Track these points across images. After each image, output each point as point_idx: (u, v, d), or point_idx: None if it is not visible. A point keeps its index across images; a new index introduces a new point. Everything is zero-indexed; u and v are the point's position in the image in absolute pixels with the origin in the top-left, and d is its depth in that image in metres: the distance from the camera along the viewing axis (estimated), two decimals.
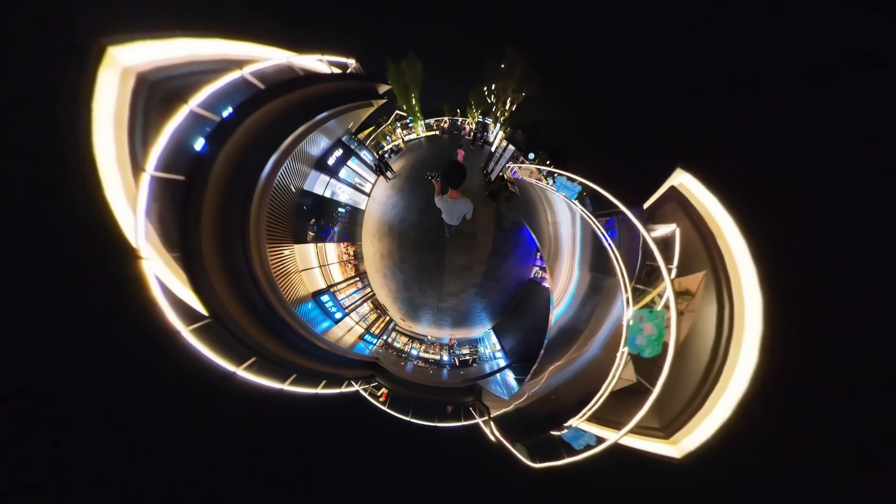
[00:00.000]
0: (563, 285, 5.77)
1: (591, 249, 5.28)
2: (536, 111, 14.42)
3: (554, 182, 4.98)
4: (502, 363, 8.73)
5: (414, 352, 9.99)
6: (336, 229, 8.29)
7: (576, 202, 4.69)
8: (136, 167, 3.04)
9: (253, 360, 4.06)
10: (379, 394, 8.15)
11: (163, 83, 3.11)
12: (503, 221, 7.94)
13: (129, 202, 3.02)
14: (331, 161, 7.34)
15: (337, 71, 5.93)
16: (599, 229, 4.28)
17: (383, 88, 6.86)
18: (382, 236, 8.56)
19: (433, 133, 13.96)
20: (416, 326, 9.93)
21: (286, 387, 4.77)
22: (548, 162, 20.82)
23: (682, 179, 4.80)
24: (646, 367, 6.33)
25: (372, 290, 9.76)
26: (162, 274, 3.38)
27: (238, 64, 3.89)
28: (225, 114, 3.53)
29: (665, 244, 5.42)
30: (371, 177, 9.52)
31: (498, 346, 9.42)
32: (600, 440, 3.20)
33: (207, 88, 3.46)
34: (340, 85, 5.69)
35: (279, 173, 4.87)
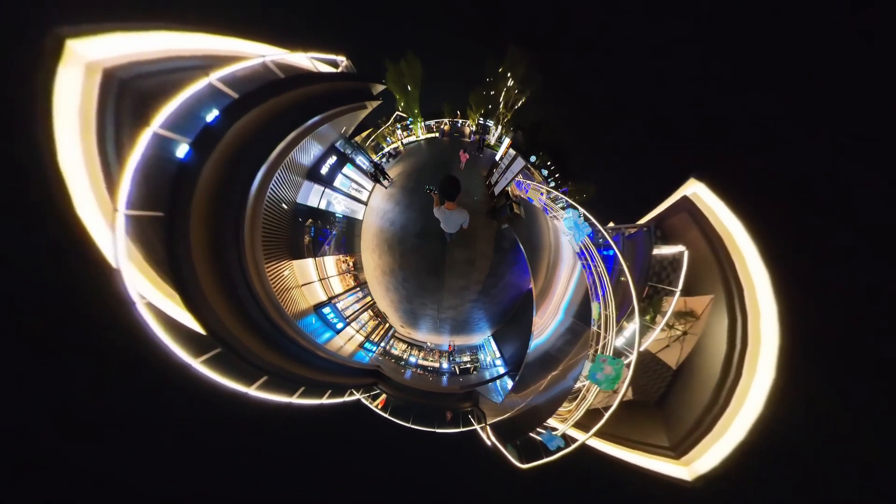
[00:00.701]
0: (546, 321, 6.31)
1: (580, 299, 5.32)
2: (537, 112, 14.30)
3: (564, 213, 4.95)
4: (502, 370, 8.58)
5: (413, 359, 9.81)
6: (333, 242, 8.03)
7: (583, 245, 4.57)
8: (110, 179, 2.74)
9: (264, 378, 4.09)
10: (376, 403, 8.07)
11: (136, 81, 2.76)
12: (503, 242, 7.56)
13: (105, 218, 2.72)
14: (324, 170, 6.95)
15: (328, 70, 5.52)
16: (600, 283, 4.19)
17: (378, 89, 6.42)
18: (381, 251, 8.31)
19: (433, 135, 13.50)
20: (415, 333, 9.79)
21: (294, 399, 4.90)
22: (549, 163, 20.52)
23: (696, 189, 4.67)
24: (647, 382, 6.22)
25: (372, 299, 9.59)
26: (152, 296, 3.17)
27: (221, 61, 3.55)
28: (210, 118, 3.23)
29: (672, 264, 5.33)
30: (368, 184, 9.18)
31: (498, 354, 9.23)
32: (571, 440, 3.55)
33: (189, 90, 3.13)
34: (332, 86, 5.27)
35: (270, 186, 4.63)
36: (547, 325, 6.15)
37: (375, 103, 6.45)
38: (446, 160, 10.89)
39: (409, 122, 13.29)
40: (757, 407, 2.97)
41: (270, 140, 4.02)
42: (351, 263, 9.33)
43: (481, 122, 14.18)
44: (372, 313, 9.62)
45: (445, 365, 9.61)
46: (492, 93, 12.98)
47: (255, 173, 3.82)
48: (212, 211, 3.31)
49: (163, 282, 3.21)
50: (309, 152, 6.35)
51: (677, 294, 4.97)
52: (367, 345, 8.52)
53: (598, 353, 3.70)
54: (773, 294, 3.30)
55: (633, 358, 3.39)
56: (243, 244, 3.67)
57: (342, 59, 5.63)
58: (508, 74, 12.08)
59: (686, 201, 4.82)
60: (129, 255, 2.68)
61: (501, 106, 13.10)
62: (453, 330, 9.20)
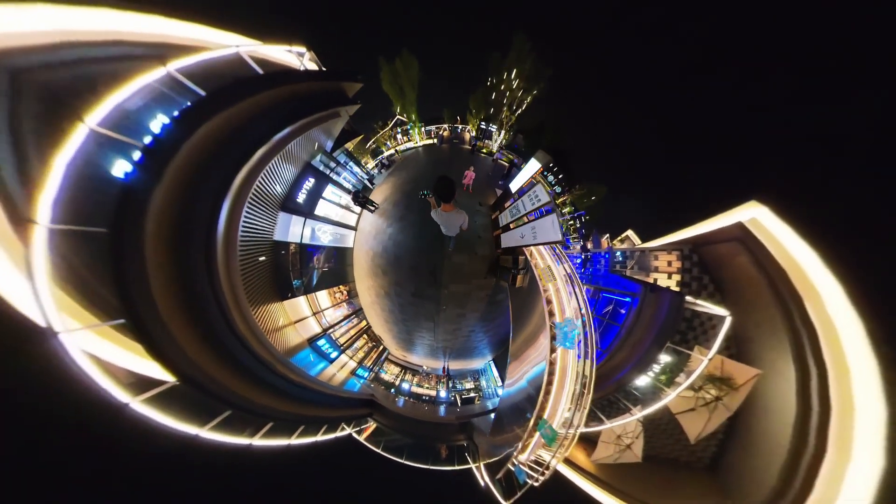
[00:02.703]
0: (514, 380, 5.99)
1: (536, 383, 4.83)
2: (540, 113, 13.16)
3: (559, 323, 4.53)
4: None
5: (406, 385, 9.09)
6: (324, 277, 7.29)
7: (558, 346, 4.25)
8: (16, 213, 2.12)
9: (269, 425, 3.94)
10: (364, 436, 7.34)
11: (37, 74, 2.01)
12: (498, 294, 6.97)
13: (13, 262, 2.13)
14: (301, 197, 5.86)
15: (296, 67, 4.44)
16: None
17: (354, 89, 5.27)
18: (376, 274, 7.62)
19: (432, 142, 12.99)
20: (411, 356, 9.18)
21: (293, 441, 4.75)
22: (551, 166, 19.62)
23: (757, 214, 3.84)
24: (669, 442, 5.38)
25: (367, 324, 9.03)
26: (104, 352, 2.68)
27: (152, 50, 2.77)
28: (148, 139, 2.57)
29: (709, 321, 4.47)
30: (355, 207, 8.29)
31: (500, 381, 8.50)
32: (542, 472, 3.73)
33: (128, 89, 2.44)
34: (294, 89, 4.17)
35: (241, 222, 3.92)
36: (514, 383, 5.86)
37: (352, 109, 5.42)
38: (444, 171, 10.16)
39: (409, 127, 12.26)
40: (861, 498, 2.10)
41: (230, 162, 3.36)
42: (345, 292, 8.74)
43: (483, 126, 13.10)
44: (367, 338, 9.06)
45: (443, 393, 8.83)
46: (493, 95, 11.92)
47: (220, 204, 3.22)
48: (173, 235, 2.86)
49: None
50: (279, 176, 5.25)
51: (707, 359, 4.23)
52: (360, 371, 7.97)
53: (542, 418, 3.88)
54: (869, 347, 2.44)
55: (573, 431, 3.60)
56: (217, 280, 3.19)
57: (303, 51, 4.30)
58: (514, 71, 10.79)
59: (740, 229, 4.04)
60: (49, 277, 2.15)
61: (505, 108, 11.96)
62: (451, 352, 8.53)
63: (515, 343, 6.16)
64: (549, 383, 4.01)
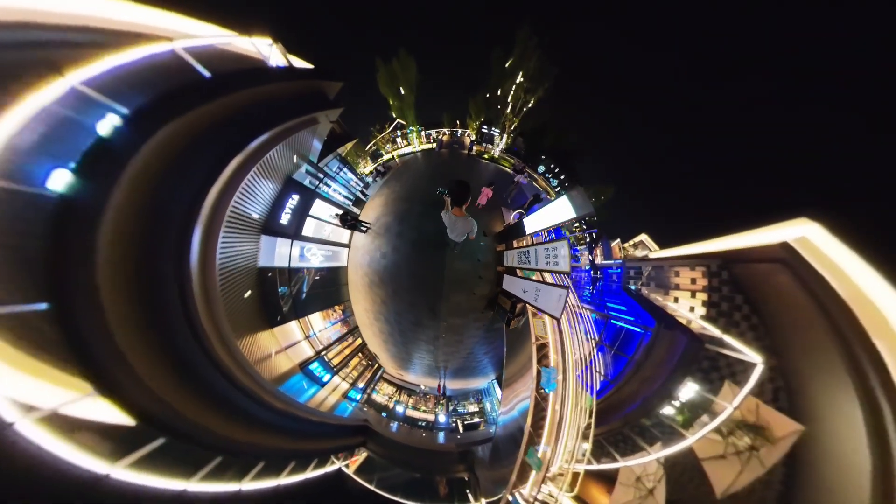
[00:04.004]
0: (507, 409, 5.61)
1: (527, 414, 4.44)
2: (543, 114, 12.39)
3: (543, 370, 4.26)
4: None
5: (400, 409, 8.40)
6: (317, 299, 6.89)
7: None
8: None
9: (260, 465, 3.54)
10: (352, 469, 6.92)
11: None
12: (496, 322, 6.62)
13: None
14: (284, 218, 5.19)
15: (257, 65, 3.61)
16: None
17: (335, 88, 4.54)
18: (372, 289, 7.18)
19: (431, 146, 12.39)
20: (408, 375, 8.60)
21: (282, 480, 4.27)
22: (552, 166, 18.66)
23: (808, 233, 3.14)
24: (695, 493, 4.64)
25: (363, 341, 8.55)
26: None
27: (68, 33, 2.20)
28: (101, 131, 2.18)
29: (739, 366, 3.89)
30: (353, 211, 7.69)
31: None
32: None
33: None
34: (268, 90, 3.53)
35: (219, 250, 3.41)
36: (509, 410, 5.47)
37: (334, 114, 4.74)
38: (444, 178, 9.17)
39: (408, 131, 11.74)
40: None
41: (198, 183, 2.89)
42: (340, 311, 8.27)
43: (484, 130, 12.58)
44: (361, 356, 8.55)
45: (442, 418, 8.17)
46: (498, 93, 11.18)
47: (190, 229, 2.78)
48: (137, 287, 2.45)
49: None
50: (257, 195, 4.55)
51: (735, 405, 3.52)
52: (352, 393, 7.47)
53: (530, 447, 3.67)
54: None
55: (569, 466, 3.42)
56: (194, 314, 2.80)
57: (268, 44, 3.48)
58: (520, 73, 10.07)
59: (784, 249, 3.33)
60: None
61: (508, 109, 11.22)
62: (451, 371, 7.91)
63: (509, 370, 5.87)
64: (540, 417, 3.74)
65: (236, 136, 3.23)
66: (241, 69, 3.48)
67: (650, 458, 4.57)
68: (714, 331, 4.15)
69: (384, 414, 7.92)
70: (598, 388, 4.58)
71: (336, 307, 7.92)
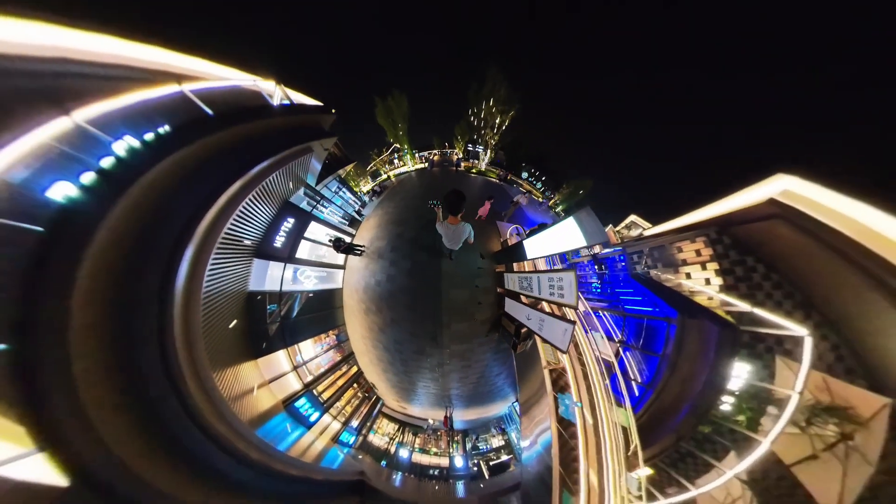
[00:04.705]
0: (529, 442, 4.68)
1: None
2: (518, 130, 14.94)
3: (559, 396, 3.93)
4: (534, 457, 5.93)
5: (404, 453, 6.76)
6: (308, 325, 6.52)
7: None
8: None
9: None
10: None
11: None
12: (503, 343, 6.12)
13: None
14: (278, 241, 5.33)
15: (272, 101, 4.19)
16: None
17: (329, 120, 5.21)
18: (368, 311, 6.80)
19: (423, 165, 14.85)
20: (412, 407, 7.35)
21: None
22: (533, 170, 21.86)
23: (789, 186, 2.96)
24: None
25: (359, 369, 7.69)
26: None
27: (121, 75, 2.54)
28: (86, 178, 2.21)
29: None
30: (345, 237, 7.70)
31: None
32: None
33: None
34: (273, 123, 4.02)
35: (207, 273, 3.34)
36: (533, 443, 4.50)
37: (328, 142, 5.14)
38: (436, 193, 9.38)
39: (403, 153, 14.46)
40: None
41: (194, 204, 2.96)
42: (334, 337, 7.63)
43: (469, 148, 15.41)
44: (357, 387, 7.53)
45: (459, 461, 6.48)
46: (475, 121, 14.14)
47: (181, 254, 2.77)
48: (110, 313, 2.29)
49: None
50: (251, 220, 4.66)
51: (799, 389, 2.96)
52: (345, 435, 6.42)
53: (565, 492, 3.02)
54: None
55: None
56: (172, 353, 2.59)
57: (271, 86, 4.17)
58: (491, 99, 12.93)
59: (773, 205, 3.22)
60: None
61: (488, 129, 14.08)
62: (462, 397, 6.84)
63: (524, 394, 5.15)
64: (569, 451, 3.12)
65: (232, 167, 3.39)
66: (243, 106, 3.97)
67: (727, 477, 3.62)
68: (741, 304, 3.68)
69: (384, 462, 6.48)
70: (634, 396, 3.95)
71: (330, 332, 7.32)
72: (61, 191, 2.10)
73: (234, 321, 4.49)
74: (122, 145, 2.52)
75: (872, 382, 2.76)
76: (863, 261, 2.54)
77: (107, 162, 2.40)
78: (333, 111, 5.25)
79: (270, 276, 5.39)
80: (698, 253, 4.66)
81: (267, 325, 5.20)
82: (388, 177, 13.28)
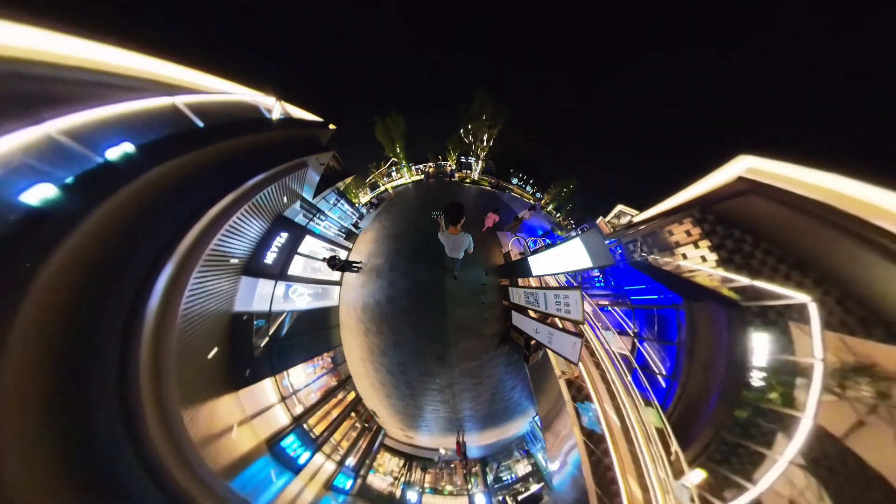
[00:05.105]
0: (558, 464, 4.12)
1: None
2: (505, 142, 16.52)
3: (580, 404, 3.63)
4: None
5: (412, 496, 5.50)
6: (300, 348, 5.93)
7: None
8: None
9: None
10: None
11: None
12: (514, 354, 5.78)
13: None
14: (269, 257, 4.96)
15: (270, 111, 4.22)
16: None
17: (327, 135, 5.25)
18: (368, 331, 6.29)
19: (420, 177, 15.48)
20: (419, 436, 6.52)
21: None
22: (523, 175, 23.71)
23: (752, 164, 3.55)
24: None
25: (357, 395, 6.85)
26: None
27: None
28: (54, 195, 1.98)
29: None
30: (342, 252, 7.28)
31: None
32: None
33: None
34: (269, 137, 4.00)
35: (187, 293, 3.01)
36: (562, 464, 4.03)
37: (324, 156, 5.13)
38: (433, 204, 9.48)
39: (401, 166, 16.02)
40: None
41: (181, 216, 2.75)
42: (328, 360, 6.84)
43: (462, 160, 17.15)
44: (355, 416, 6.61)
45: (481, 499, 5.35)
46: (469, 130, 15.70)
47: (160, 269, 2.50)
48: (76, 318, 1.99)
49: None
50: (242, 235, 4.35)
51: (820, 356, 2.92)
52: (339, 479, 5.46)
53: None
54: None
55: None
56: (133, 381, 2.20)
57: (272, 102, 4.24)
58: (482, 116, 14.75)
59: (742, 182, 3.46)
60: None
61: (478, 143, 15.68)
62: (477, 418, 6.15)
63: (543, 407, 4.88)
64: (603, 470, 2.77)
65: (223, 181, 3.28)
66: (239, 119, 3.95)
67: (784, 465, 3.21)
68: (740, 278, 3.72)
69: None
70: (661, 392, 3.75)
71: (325, 355, 6.55)
72: (33, 196, 1.88)
73: (215, 349, 3.97)
74: (96, 156, 2.31)
75: (888, 330, 2.75)
76: (835, 219, 2.74)
77: (71, 175, 2.16)
78: (331, 126, 5.42)
79: (260, 294, 4.94)
80: (688, 233, 4.87)
81: (252, 350, 4.65)
82: (386, 189, 14.13)
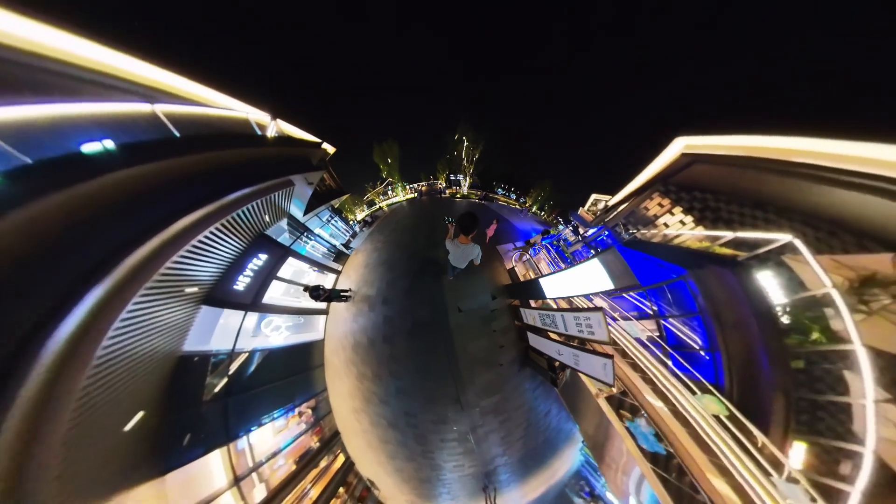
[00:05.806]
0: (631, 496, 3.29)
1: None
2: (487, 158, 21.77)
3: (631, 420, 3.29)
4: None
5: None
6: (267, 398, 4.62)
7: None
8: None
9: None
10: None
11: None
12: (538, 376, 5.14)
13: None
14: (241, 283, 4.12)
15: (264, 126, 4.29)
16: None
17: (318, 155, 5.42)
18: (361, 384, 5.17)
19: (413, 195, 17.81)
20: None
21: None
22: (505, 185, 26.92)
23: (688, 142, 4.48)
24: None
25: (348, 459, 5.31)
26: None
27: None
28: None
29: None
30: (328, 280, 6.48)
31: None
32: None
33: None
34: (256, 153, 3.96)
35: (117, 321, 2.30)
36: (638, 498, 3.25)
37: (314, 176, 5.05)
38: (429, 223, 8.82)
39: (396, 185, 18.97)
40: None
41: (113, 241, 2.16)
42: (310, 412, 5.23)
43: (451, 178, 19.89)
44: (345, 491, 5.04)
45: None
46: (455, 153, 19.57)
47: (86, 288, 1.89)
48: None
49: None
50: (207, 257, 3.62)
51: (830, 285, 2.97)
52: None
53: None
54: None
55: None
56: None
57: (267, 119, 4.34)
58: (464, 139, 19.04)
59: (686, 157, 4.42)
60: None
61: (465, 161, 19.42)
62: (512, 465, 4.92)
63: (585, 433, 3.96)
64: (686, 494, 2.30)
65: (195, 194, 2.88)
66: (227, 133, 3.89)
67: (871, 407, 3.00)
68: (724, 233, 4.01)
69: None
70: (708, 372, 3.49)
71: (305, 406, 5.08)
72: None
73: (141, 413, 2.79)
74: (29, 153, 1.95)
75: (859, 242, 3.07)
76: (765, 165, 3.34)
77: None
78: (326, 146, 5.68)
79: (222, 328, 3.94)
80: (660, 205, 5.63)
81: (199, 405, 3.43)
82: (381, 207, 16.06)
